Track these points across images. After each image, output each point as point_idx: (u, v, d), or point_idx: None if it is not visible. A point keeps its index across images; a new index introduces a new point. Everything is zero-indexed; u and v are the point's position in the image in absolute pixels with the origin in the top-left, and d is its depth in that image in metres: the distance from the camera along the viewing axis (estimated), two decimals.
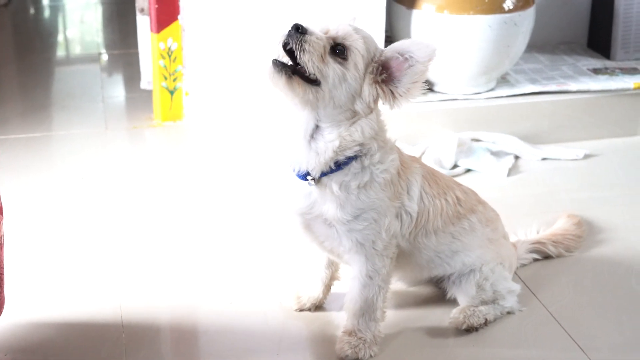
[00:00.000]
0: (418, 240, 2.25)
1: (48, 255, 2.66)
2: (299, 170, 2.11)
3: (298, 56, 1.99)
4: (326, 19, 2.11)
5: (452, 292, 2.37)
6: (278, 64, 2.01)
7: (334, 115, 2.06)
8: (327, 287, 2.42)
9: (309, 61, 1.99)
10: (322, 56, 2.00)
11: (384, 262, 2.19)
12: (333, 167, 2.09)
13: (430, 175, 2.26)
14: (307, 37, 1.99)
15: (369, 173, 2.11)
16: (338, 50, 2.03)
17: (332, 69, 2.01)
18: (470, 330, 2.31)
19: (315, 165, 2.08)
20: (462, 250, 2.31)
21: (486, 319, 2.33)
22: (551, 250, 2.65)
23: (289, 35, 2.00)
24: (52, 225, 2.83)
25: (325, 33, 2.04)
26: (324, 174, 2.10)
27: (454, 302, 2.39)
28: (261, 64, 2.07)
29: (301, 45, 1.98)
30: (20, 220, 2.86)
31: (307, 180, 2.10)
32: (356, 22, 2.12)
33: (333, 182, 2.10)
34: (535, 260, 2.64)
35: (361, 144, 2.09)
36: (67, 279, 2.54)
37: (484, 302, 2.34)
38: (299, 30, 1.99)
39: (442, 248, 2.29)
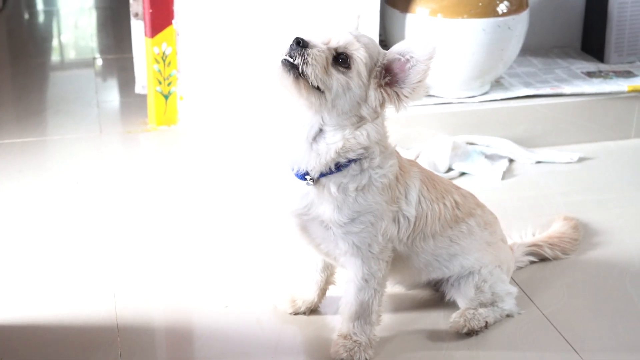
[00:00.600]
0: (416, 244, 2.25)
1: (42, 259, 2.66)
2: (298, 170, 2.11)
3: (301, 69, 2.00)
4: (327, 25, 2.11)
5: (451, 294, 2.38)
6: (287, 64, 2.02)
7: (339, 120, 2.07)
8: (322, 291, 2.41)
9: (312, 73, 2.00)
10: (325, 68, 2.01)
11: (379, 266, 2.19)
12: (333, 168, 2.10)
13: (429, 180, 2.27)
14: (309, 51, 2.00)
15: (367, 176, 2.11)
16: (341, 59, 2.04)
17: (336, 79, 2.03)
18: (470, 333, 2.31)
19: (315, 166, 2.09)
20: (460, 253, 2.32)
21: (486, 322, 2.33)
22: (548, 252, 2.65)
23: (292, 49, 2.01)
24: (46, 229, 2.83)
25: (327, 43, 2.04)
26: (322, 175, 2.10)
27: (450, 305, 2.39)
28: (270, 63, 2.08)
29: (304, 59, 2.00)
30: (15, 224, 2.86)
31: (306, 180, 2.11)
32: (360, 19, 2.13)
33: (331, 183, 2.10)
34: (532, 262, 2.64)
35: (366, 148, 2.10)
36: (61, 283, 2.54)
37: (482, 305, 2.34)
38: (300, 45, 2.00)
39: (440, 252, 2.30)
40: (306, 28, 2.10)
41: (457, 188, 2.36)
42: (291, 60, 2.01)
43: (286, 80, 2.02)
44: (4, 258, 2.67)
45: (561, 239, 2.69)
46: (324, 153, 2.08)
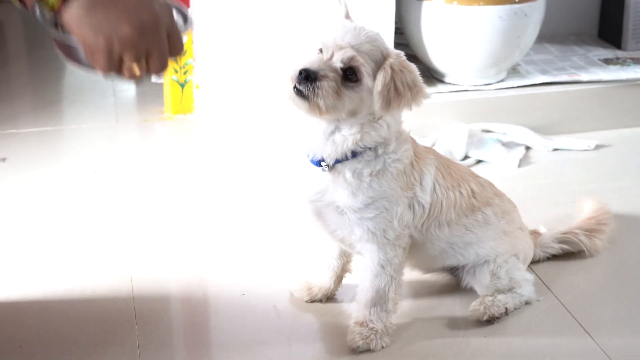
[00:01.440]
0: (430, 232, 2.25)
1: (60, 246, 2.67)
2: (314, 156, 2.12)
3: (312, 101, 2.01)
4: (318, 24, 2.11)
5: (467, 281, 2.37)
6: (300, 92, 2.03)
7: (355, 118, 2.08)
8: (339, 278, 2.42)
9: (322, 101, 2.01)
10: (336, 93, 2.02)
11: (396, 252, 2.19)
12: (349, 156, 2.10)
13: (445, 167, 2.26)
14: (319, 84, 2.01)
15: (381, 162, 2.12)
16: (349, 72, 2.04)
17: (348, 98, 2.04)
18: (491, 320, 2.31)
19: (331, 153, 2.10)
20: (475, 242, 2.31)
21: (506, 308, 2.32)
22: (584, 242, 2.56)
23: (300, 81, 2.01)
24: (63, 217, 2.84)
25: (329, 59, 2.04)
26: (338, 161, 2.11)
27: (467, 291, 2.39)
28: (281, 89, 2.10)
29: (314, 92, 2.01)
30: (32, 212, 2.87)
31: (321, 166, 2.11)
32: (346, 3, 2.13)
33: (347, 169, 2.11)
34: (565, 252, 2.58)
35: (385, 138, 2.10)
36: (79, 268, 2.55)
37: (500, 291, 2.34)
38: (308, 79, 2.00)
39: (454, 240, 2.29)
40: (307, 30, 2.09)
41: (475, 176, 2.36)
42: (302, 92, 2.02)
43: (302, 106, 2.04)
44: (23, 244, 2.69)
45: (598, 220, 2.59)
46: (340, 143, 2.09)
